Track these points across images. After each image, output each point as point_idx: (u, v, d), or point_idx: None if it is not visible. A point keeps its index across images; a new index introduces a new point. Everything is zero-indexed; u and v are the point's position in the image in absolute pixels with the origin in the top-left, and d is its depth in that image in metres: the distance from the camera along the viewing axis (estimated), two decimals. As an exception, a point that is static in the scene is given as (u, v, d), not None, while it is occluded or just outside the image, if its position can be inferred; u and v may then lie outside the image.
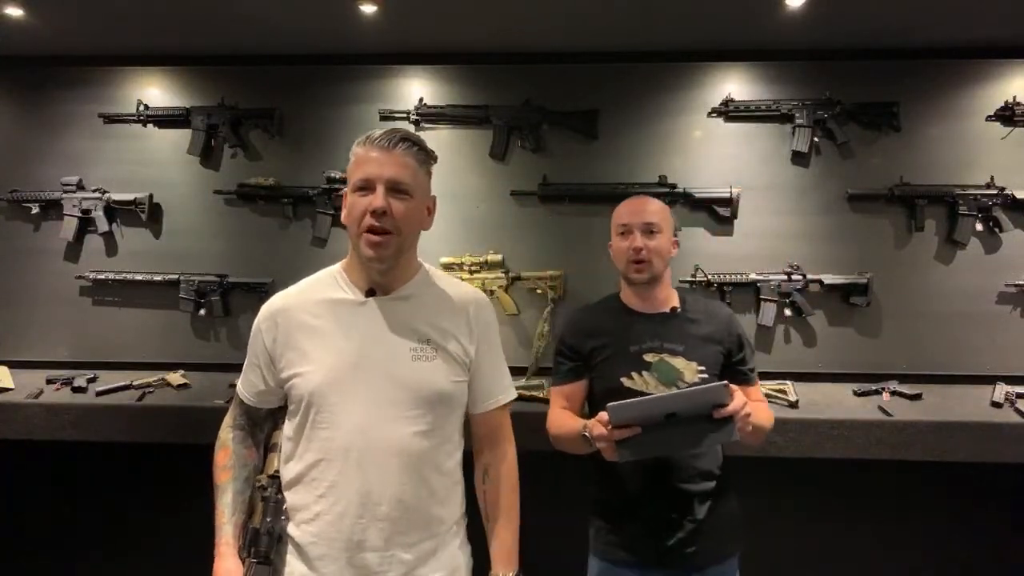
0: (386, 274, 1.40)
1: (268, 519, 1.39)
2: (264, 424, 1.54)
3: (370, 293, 1.41)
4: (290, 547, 1.40)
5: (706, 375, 1.72)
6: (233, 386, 2.69)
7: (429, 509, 1.40)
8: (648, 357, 1.72)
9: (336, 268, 1.48)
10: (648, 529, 1.73)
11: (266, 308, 1.46)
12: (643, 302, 1.82)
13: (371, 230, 1.33)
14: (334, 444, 1.36)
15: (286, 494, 1.42)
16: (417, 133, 1.50)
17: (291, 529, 1.40)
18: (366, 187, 1.34)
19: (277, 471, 1.46)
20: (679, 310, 1.80)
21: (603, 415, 1.49)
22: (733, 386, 1.54)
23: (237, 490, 1.43)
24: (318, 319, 1.40)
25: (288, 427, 1.44)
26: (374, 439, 1.35)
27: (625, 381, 1.70)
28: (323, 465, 1.37)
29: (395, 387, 1.37)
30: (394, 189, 1.34)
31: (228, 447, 1.47)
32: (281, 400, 1.48)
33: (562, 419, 1.78)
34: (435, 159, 1.44)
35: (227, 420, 1.53)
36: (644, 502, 1.73)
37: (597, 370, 1.77)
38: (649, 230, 1.75)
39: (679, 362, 1.72)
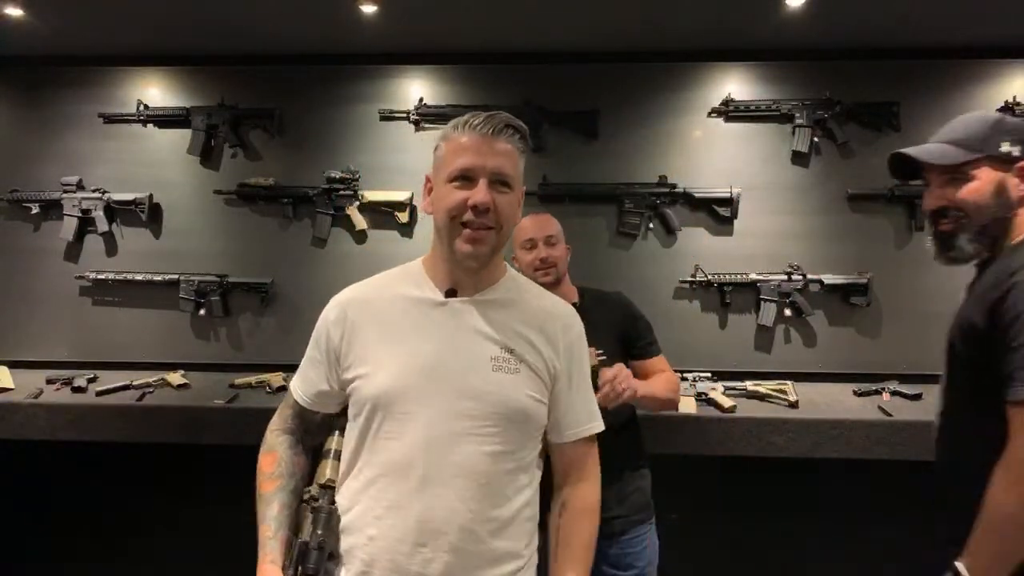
0: (475, 273, 1.26)
1: (319, 532, 1.22)
2: (318, 432, 1.37)
3: (450, 293, 1.27)
4: (341, 573, 1.24)
5: (604, 357, 1.88)
6: (234, 386, 2.73)
7: (501, 544, 1.22)
8: None
9: (416, 265, 1.33)
10: None
11: (336, 299, 1.32)
12: None
13: (470, 225, 1.20)
14: (396, 458, 1.20)
15: (340, 514, 1.26)
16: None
17: (342, 553, 1.25)
18: (466, 178, 1.20)
19: (331, 480, 1.29)
20: (577, 304, 2.00)
21: None
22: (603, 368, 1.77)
23: (284, 502, 1.27)
24: (391, 316, 1.26)
25: (349, 436, 1.28)
26: (441, 456, 1.19)
27: None
28: (382, 482, 1.20)
29: (470, 399, 1.21)
30: (496, 181, 1.21)
31: (276, 452, 1.31)
32: (341, 405, 1.33)
33: None
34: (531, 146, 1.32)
35: (275, 422, 1.37)
36: None
37: None
38: (550, 242, 2.00)
39: None
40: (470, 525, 1.19)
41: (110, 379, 2.80)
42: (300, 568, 1.20)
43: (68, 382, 2.78)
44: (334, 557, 1.24)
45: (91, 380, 2.81)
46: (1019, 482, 1.23)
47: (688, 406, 2.58)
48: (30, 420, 2.61)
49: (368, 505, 1.22)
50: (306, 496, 1.30)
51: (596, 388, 1.77)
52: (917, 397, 2.63)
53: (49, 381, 2.80)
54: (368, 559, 1.20)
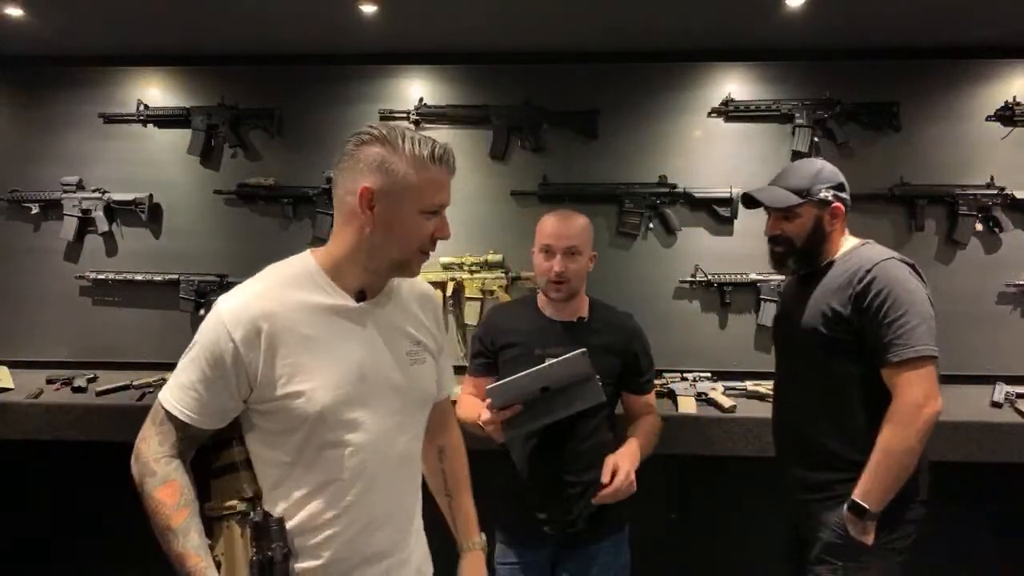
0: (382, 277, 1.35)
1: (276, 544, 1.22)
2: (197, 448, 1.32)
3: (360, 296, 1.31)
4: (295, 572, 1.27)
5: (583, 350, 1.85)
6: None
7: (415, 505, 1.44)
8: (549, 360, 1.83)
9: (312, 267, 1.31)
10: (547, 513, 1.89)
11: (237, 315, 1.23)
12: (556, 311, 1.96)
13: (427, 252, 1.32)
14: (350, 464, 1.26)
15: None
16: (426, 130, 1.43)
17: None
18: (436, 212, 1.28)
19: (258, 492, 1.28)
20: (585, 320, 1.96)
21: (488, 400, 1.65)
22: (610, 468, 1.79)
23: (200, 529, 1.23)
24: (311, 328, 1.26)
25: (273, 447, 1.27)
26: (385, 452, 1.31)
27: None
28: (335, 487, 1.26)
29: (397, 395, 1.33)
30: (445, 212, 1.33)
31: (175, 481, 1.23)
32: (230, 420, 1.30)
33: (468, 405, 1.94)
34: None
35: (156, 450, 1.26)
36: (542, 491, 1.89)
37: (505, 366, 1.90)
38: (571, 252, 1.87)
39: None
40: (407, 503, 1.39)
41: (110, 379, 2.80)
42: None
43: (68, 382, 2.78)
44: (289, 561, 1.25)
45: (91, 380, 2.81)
46: (913, 421, 1.64)
47: (688, 406, 2.58)
48: (30, 420, 2.62)
49: (318, 509, 1.26)
50: (222, 512, 1.26)
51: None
52: (917, 397, 2.63)
53: (49, 381, 2.80)
54: (327, 555, 1.26)
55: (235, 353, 1.22)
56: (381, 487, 1.30)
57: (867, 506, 1.65)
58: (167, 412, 1.26)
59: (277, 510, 1.26)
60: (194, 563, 1.19)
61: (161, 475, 1.24)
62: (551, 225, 1.90)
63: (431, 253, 1.33)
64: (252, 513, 1.24)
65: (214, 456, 1.31)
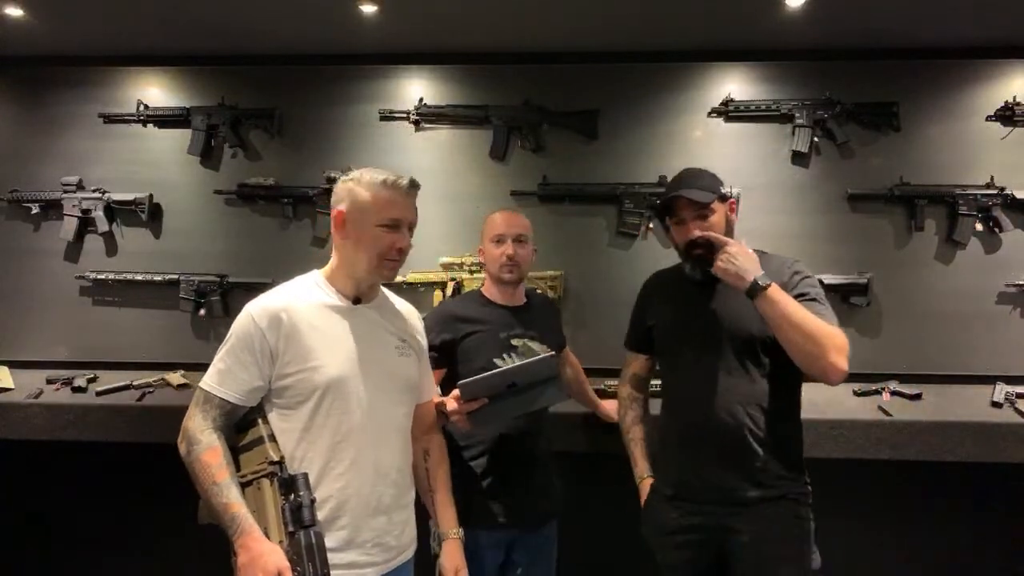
0: (372, 287, 1.68)
1: (302, 493, 1.46)
2: (232, 425, 1.58)
3: (356, 301, 1.65)
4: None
5: (552, 353, 2.04)
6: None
7: (408, 475, 1.72)
8: (515, 341, 2.06)
9: (317, 278, 1.66)
10: (502, 497, 2.01)
11: (263, 308, 1.56)
12: (505, 297, 2.13)
13: (392, 259, 1.62)
14: (351, 427, 1.56)
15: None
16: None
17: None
18: (394, 226, 1.60)
19: (283, 457, 1.53)
20: (529, 304, 2.17)
21: (456, 392, 1.76)
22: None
23: (238, 484, 1.48)
24: (318, 320, 1.59)
25: (290, 418, 1.56)
26: (381, 420, 1.61)
27: (497, 361, 1.98)
28: (342, 446, 1.56)
29: (390, 377, 1.65)
30: (409, 228, 1.65)
31: (217, 446, 1.50)
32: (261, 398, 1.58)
33: None
34: None
35: (200, 422, 1.52)
36: (497, 475, 2.02)
37: (470, 352, 2.03)
38: (520, 240, 2.08)
39: (536, 344, 2.08)
40: (401, 464, 1.67)
41: (110, 379, 2.81)
42: (298, 524, 1.43)
43: (68, 382, 2.79)
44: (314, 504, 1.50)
45: (91, 380, 2.81)
46: (842, 335, 1.68)
47: (688, 406, 2.58)
48: (30, 420, 2.62)
49: (330, 464, 1.55)
50: (258, 474, 1.50)
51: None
52: (917, 397, 2.63)
53: (49, 381, 2.80)
54: (337, 504, 1.54)
55: (261, 337, 1.54)
56: (378, 449, 1.60)
57: (764, 286, 1.68)
58: (208, 394, 1.55)
59: (296, 467, 1.52)
60: (235, 508, 1.44)
61: (206, 442, 1.50)
62: (501, 218, 2.11)
63: (401, 262, 1.63)
64: (280, 471, 1.49)
65: (241, 436, 1.57)
